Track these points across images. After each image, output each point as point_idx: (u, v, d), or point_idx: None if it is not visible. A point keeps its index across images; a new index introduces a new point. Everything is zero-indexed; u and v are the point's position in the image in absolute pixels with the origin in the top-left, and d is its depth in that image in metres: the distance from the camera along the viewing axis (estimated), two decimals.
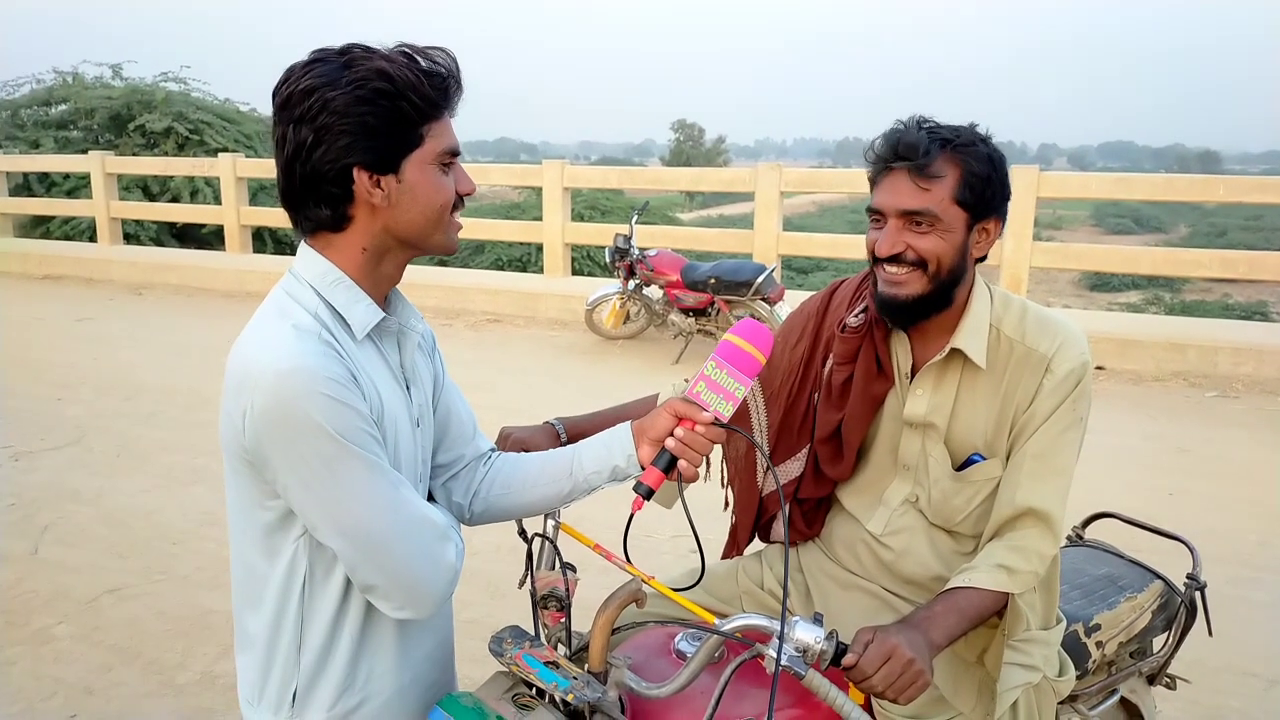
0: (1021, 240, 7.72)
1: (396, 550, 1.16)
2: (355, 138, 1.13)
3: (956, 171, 1.44)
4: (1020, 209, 7.66)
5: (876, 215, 1.51)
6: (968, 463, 1.55)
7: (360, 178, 1.15)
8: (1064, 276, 22.27)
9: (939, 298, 1.50)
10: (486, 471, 1.45)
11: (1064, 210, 35.56)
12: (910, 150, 1.45)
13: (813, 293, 1.81)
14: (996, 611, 1.45)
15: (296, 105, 1.13)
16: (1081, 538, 2.13)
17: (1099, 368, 6.53)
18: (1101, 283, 22.65)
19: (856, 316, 1.63)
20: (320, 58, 1.14)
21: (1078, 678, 1.68)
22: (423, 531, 1.19)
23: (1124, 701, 1.90)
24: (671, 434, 1.30)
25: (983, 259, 1.55)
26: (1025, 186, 7.63)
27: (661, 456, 1.31)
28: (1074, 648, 1.71)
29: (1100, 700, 1.82)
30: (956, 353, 1.53)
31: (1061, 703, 1.67)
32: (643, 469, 1.34)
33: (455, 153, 1.23)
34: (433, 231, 1.23)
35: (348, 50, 1.15)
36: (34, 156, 14.76)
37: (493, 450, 1.49)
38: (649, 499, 1.31)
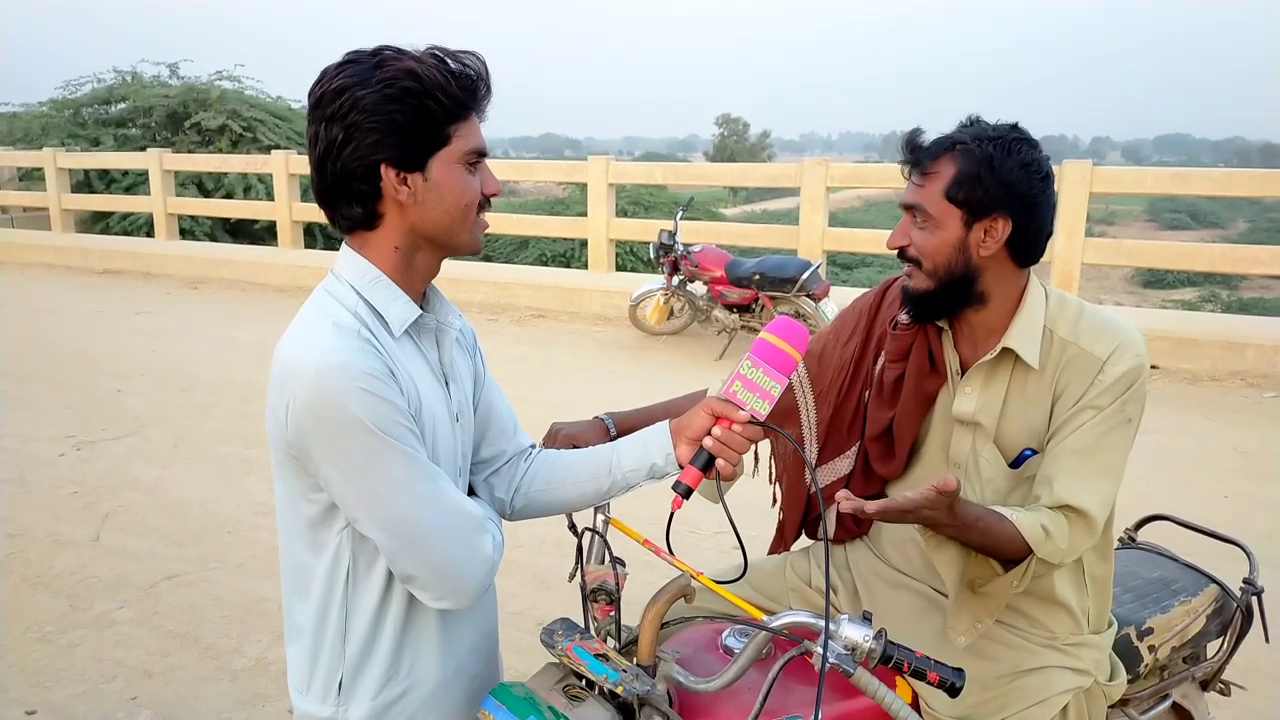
0: (1073, 236, 7.58)
1: (434, 541, 1.18)
2: (383, 135, 1.15)
3: (952, 169, 1.48)
4: (1072, 204, 7.53)
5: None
6: (1021, 459, 1.54)
7: (387, 175, 1.18)
8: (1116, 273, 21.84)
9: (950, 294, 1.52)
10: (528, 468, 1.48)
11: (1117, 205, 34.82)
12: (909, 148, 1.53)
13: (857, 289, 1.83)
14: (1005, 559, 1.43)
15: (329, 104, 1.16)
16: (1134, 540, 2.10)
17: (1153, 367, 6.40)
18: (1155, 279, 22.17)
19: (909, 313, 1.63)
20: (353, 59, 1.18)
21: (1129, 682, 1.66)
22: (460, 523, 1.21)
23: (1176, 707, 1.87)
24: (709, 433, 1.31)
25: (1032, 259, 1.54)
26: (1077, 181, 7.49)
27: (699, 455, 1.32)
28: (1126, 651, 1.69)
29: (1152, 705, 1.79)
30: (1008, 352, 1.52)
31: (1112, 707, 1.66)
32: (681, 467, 1.35)
33: (482, 153, 1.25)
34: (458, 230, 1.25)
35: (379, 51, 1.18)
36: (94, 154, 15.17)
37: (533, 446, 1.52)
38: (688, 498, 1.32)
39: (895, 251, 1.56)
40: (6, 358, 7.32)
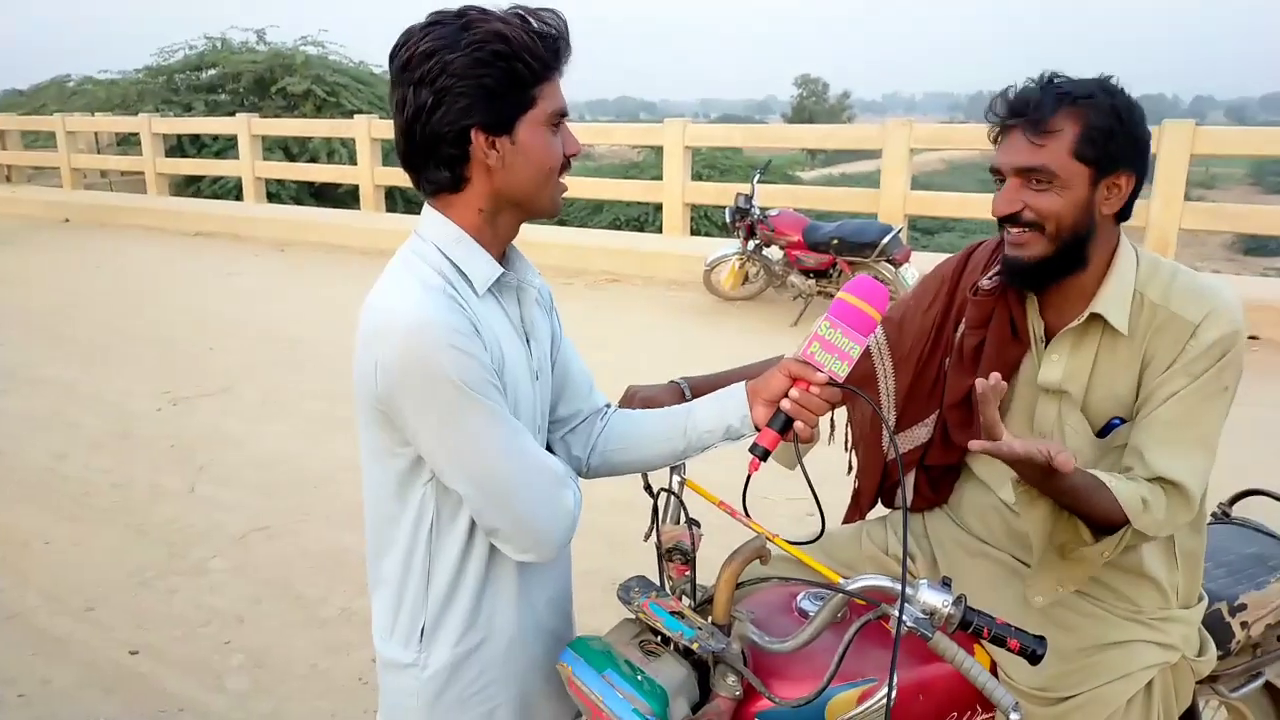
0: (1171, 201, 7.25)
1: (519, 495, 1.21)
2: (474, 100, 1.15)
3: (1076, 126, 1.40)
4: (1171, 167, 7.19)
5: (998, 175, 1.48)
6: (1108, 428, 1.50)
7: (477, 139, 1.18)
8: (1215, 239, 20.90)
9: (1065, 259, 1.45)
10: (603, 427, 1.49)
11: (1218, 168, 33.16)
12: (1024, 106, 1.42)
13: (939, 254, 1.78)
14: (1096, 524, 1.39)
15: (417, 67, 1.15)
16: (1229, 515, 2.02)
17: (1253, 337, 6.11)
18: (1257, 246, 21.17)
19: (990, 279, 1.59)
20: (438, 20, 1.17)
21: (1220, 658, 1.61)
22: (543, 478, 1.23)
23: (1269, 686, 1.81)
24: (786, 395, 1.30)
25: (1124, 217, 1.49)
26: (1178, 142, 7.15)
27: (776, 418, 1.31)
28: (1217, 627, 1.64)
29: (1243, 683, 1.74)
30: (1096, 318, 1.47)
31: (1201, 683, 1.61)
32: (757, 429, 1.34)
33: (564, 114, 1.25)
34: (541, 193, 1.26)
35: (464, 13, 1.18)
36: (187, 119, 15.68)
37: (608, 406, 1.53)
38: (765, 460, 1.31)
39: (1000, 218, 1.47)
40: (109, 316, 7.68)
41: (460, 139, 1.18)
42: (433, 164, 1.21)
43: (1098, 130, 1.40)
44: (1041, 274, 1.47)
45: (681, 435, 1.42)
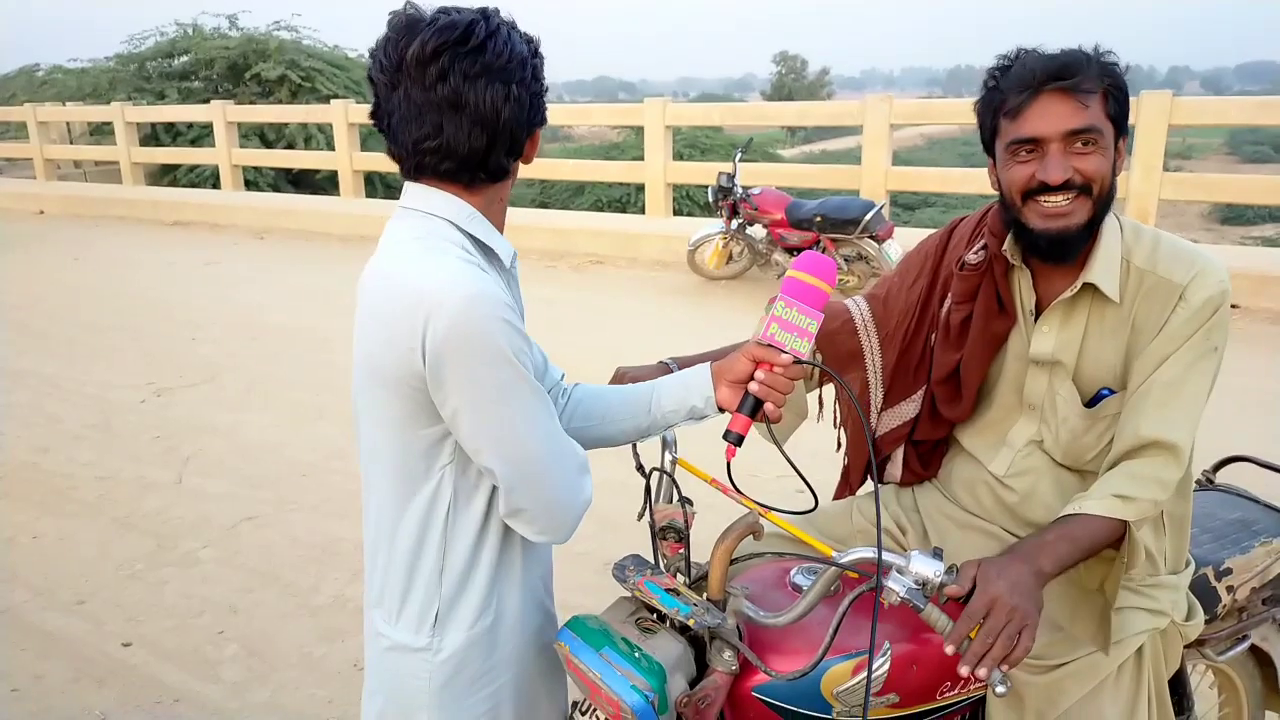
0: (1150, 171, 7.29)
1: (550, 477, 1.22)
2: (544, 100, 1.27)
3: (1103, 85, 1.41)
4: (1150, 137, 7.23)
5: (1029, 145, 1.42)
6: (1097, 398, 1.51)
7: (536, 135, 1.29)
8: (1192, 209, 21.04)
9: (1096, 223, 1.46)
10: (565, 403, 1.50)
11: (1195, 139, 33.35)
12: (1069, 69, 1.39)
13: (921, 230, 1.78)
14: (1112, 543, 1.41)
15: (519, 70, 1.20)
16: (1213, 481, 2.05)
17: (1234, 306, 6.18)
18: (1235, 215, 21.35)
19: (976, 254, 1.59)
20: (502, 22, 1.21)
21: (1206, 622, 1.64)
22: (571, 462, 1.25)
23: (1255, 649, 1.84)
24: (751, 377, 1.32)
25: None
26: (1156, 113, 7.18)
27: (745, 402, 1.32)
28: (1203, 591, 1.66)
29: (1229, 646, 1.77)
30: (1087, 287, 1.48)
31: (1189, 647, 1.64)
32: (721, 410, 1.37)
33: None
34: None
35: (498, 16, 1.23)
36: (160, 107, 15.47)
37: (562, 377, 1.53)
38: (740, 446, 1.33)
39: (1028, 191, 1.43)
40: (87, 308, 7.60)
41: (530, 134, 1.27)
42: (507, 156, 1.25)
43: (1120, 90, 1.42)
44: (1082, 241, 1.46)
45: (646, 413, 1.44)
